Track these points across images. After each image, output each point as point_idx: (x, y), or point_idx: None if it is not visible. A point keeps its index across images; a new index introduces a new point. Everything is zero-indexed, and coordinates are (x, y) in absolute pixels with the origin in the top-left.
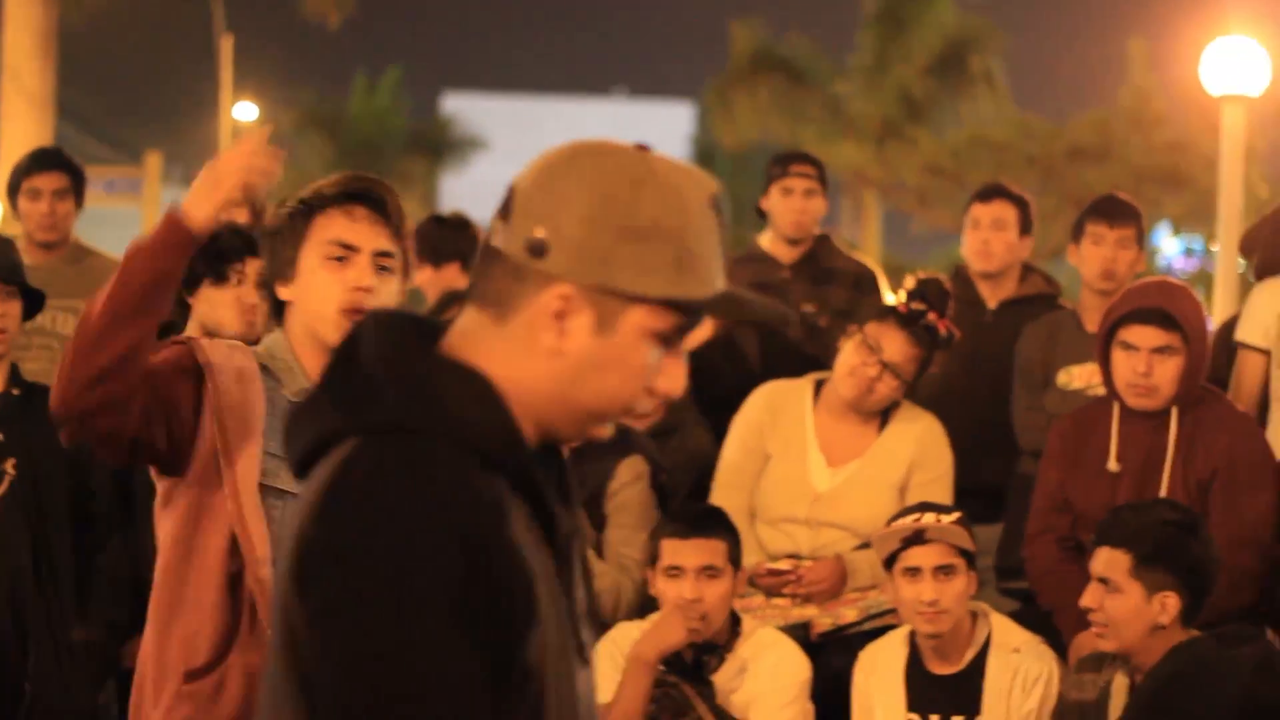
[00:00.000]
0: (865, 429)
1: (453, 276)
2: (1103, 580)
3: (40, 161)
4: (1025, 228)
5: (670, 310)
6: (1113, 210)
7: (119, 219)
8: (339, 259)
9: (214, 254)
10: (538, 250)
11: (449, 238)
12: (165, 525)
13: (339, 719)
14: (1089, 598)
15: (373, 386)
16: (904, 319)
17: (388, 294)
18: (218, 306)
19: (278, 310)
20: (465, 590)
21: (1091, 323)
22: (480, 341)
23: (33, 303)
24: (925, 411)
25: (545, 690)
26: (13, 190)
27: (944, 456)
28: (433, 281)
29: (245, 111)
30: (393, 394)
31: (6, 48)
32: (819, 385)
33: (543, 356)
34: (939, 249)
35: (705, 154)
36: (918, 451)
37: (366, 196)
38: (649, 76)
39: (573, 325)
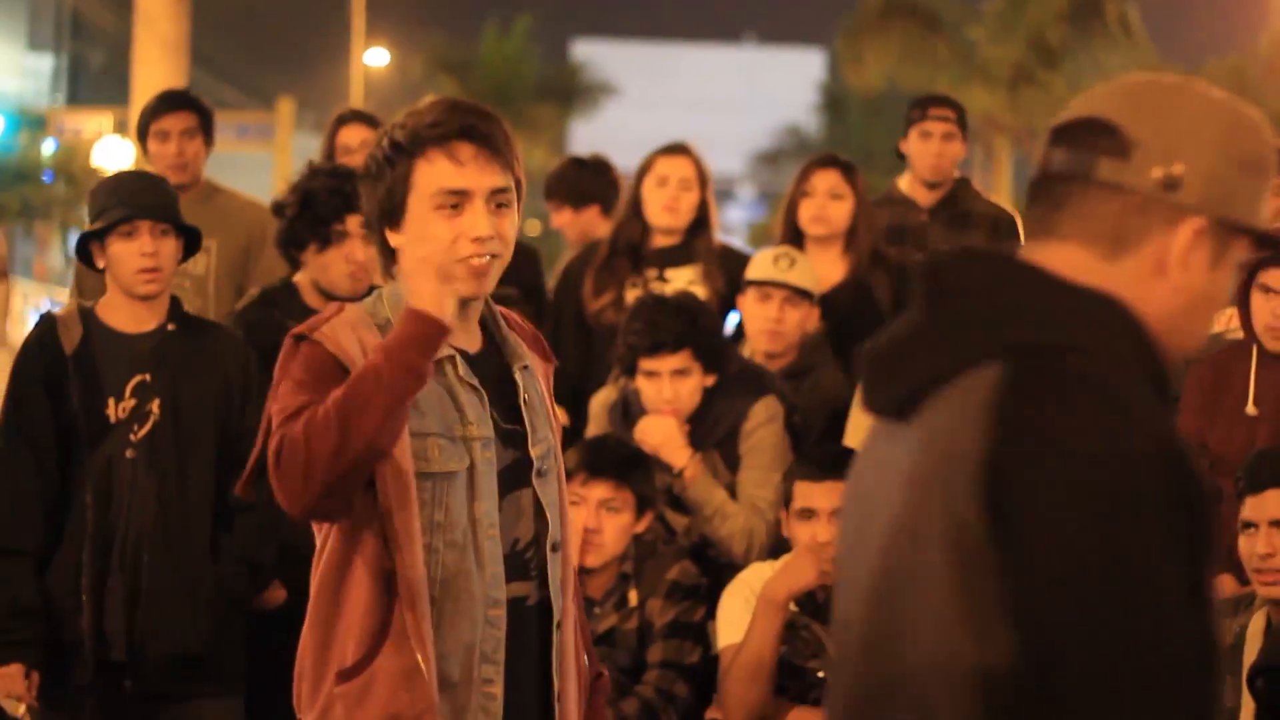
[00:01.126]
0: None
1: (592, 219)
2: (1278, 523)
3: (167, 103)
4: None
5: (1255, 242)
6: None
7: (251, 164)
8: (452, 205)
9: (313, 218)
10: (1173, 185)
11: (590, 180)
12: (323, 525)
13: (1056, 634)
14: (1264, 544)
15: (1017, 311)
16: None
17: (509, 231)
18: (328, 269)
19: (388, 256)
20: (1175, 505)
21: None
22: (1090, 276)
23: (191, 242)
24: None
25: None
26: (142, 134)
27: None
28: (572, 223)
29: (377, 57)
30: (1050, 317)
31: None
32: None
33: (1166, 291)
34: None
35: (836, 101)
36: None
37: (472, 132)
38: (779, 22)
39: (1195, 259)
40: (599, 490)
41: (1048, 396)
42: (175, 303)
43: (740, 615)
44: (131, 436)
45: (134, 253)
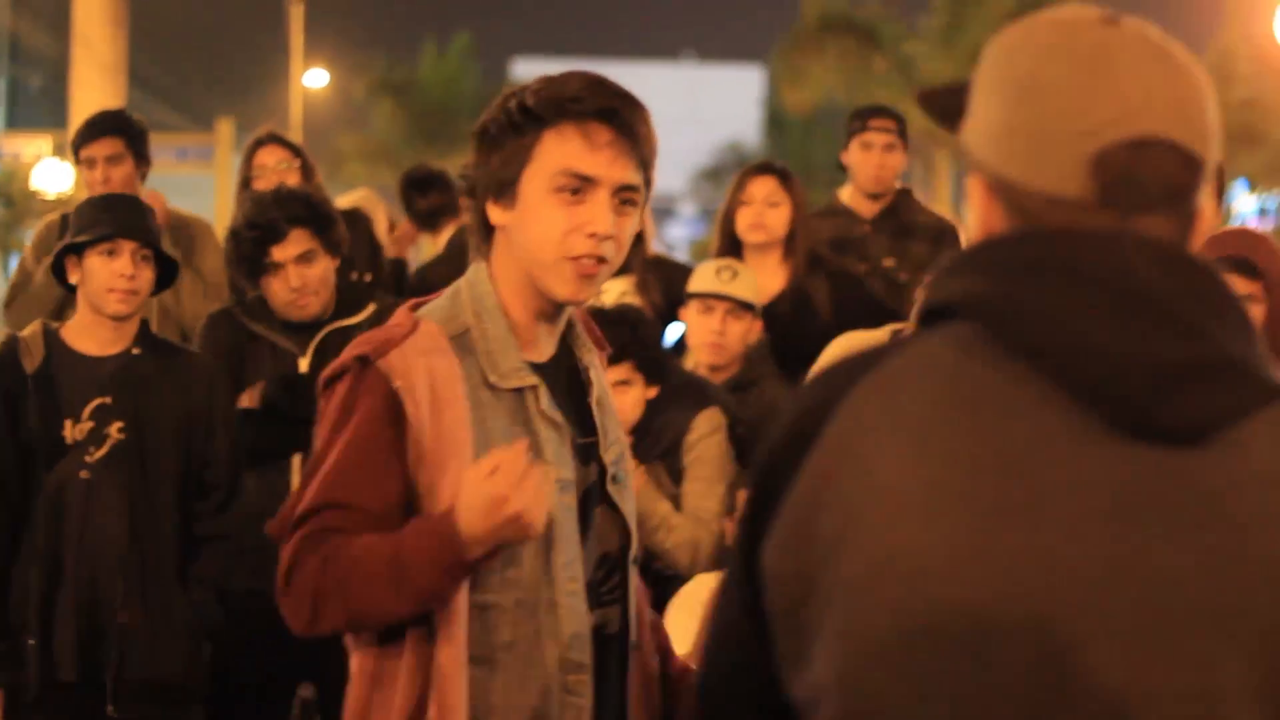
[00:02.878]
0: None
1: None
2: None
3: (90, 129)
4: None
5: None
6: None
7: (192, 186)
8: (574, 191)
9: (239, 257)
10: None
11: None
12: None
13: None
14: None
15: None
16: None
17: (628, 232)
18: (272, 299)
19: (485, 231)
20: None
21: None
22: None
23: (166, 271)
24: None
25: None
26: (76, 159)
27: None
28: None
29: (316, 78)
30: None
31: (78, 16)
32: (896, 335)
33: None
34: None
35: (775, 117)
36: None
37: (614, 116)
38: (718, 40)
39: None
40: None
41: None
42: (144, 326)
43: (687, 627)
44: (86, 458)
45: (113, 271)
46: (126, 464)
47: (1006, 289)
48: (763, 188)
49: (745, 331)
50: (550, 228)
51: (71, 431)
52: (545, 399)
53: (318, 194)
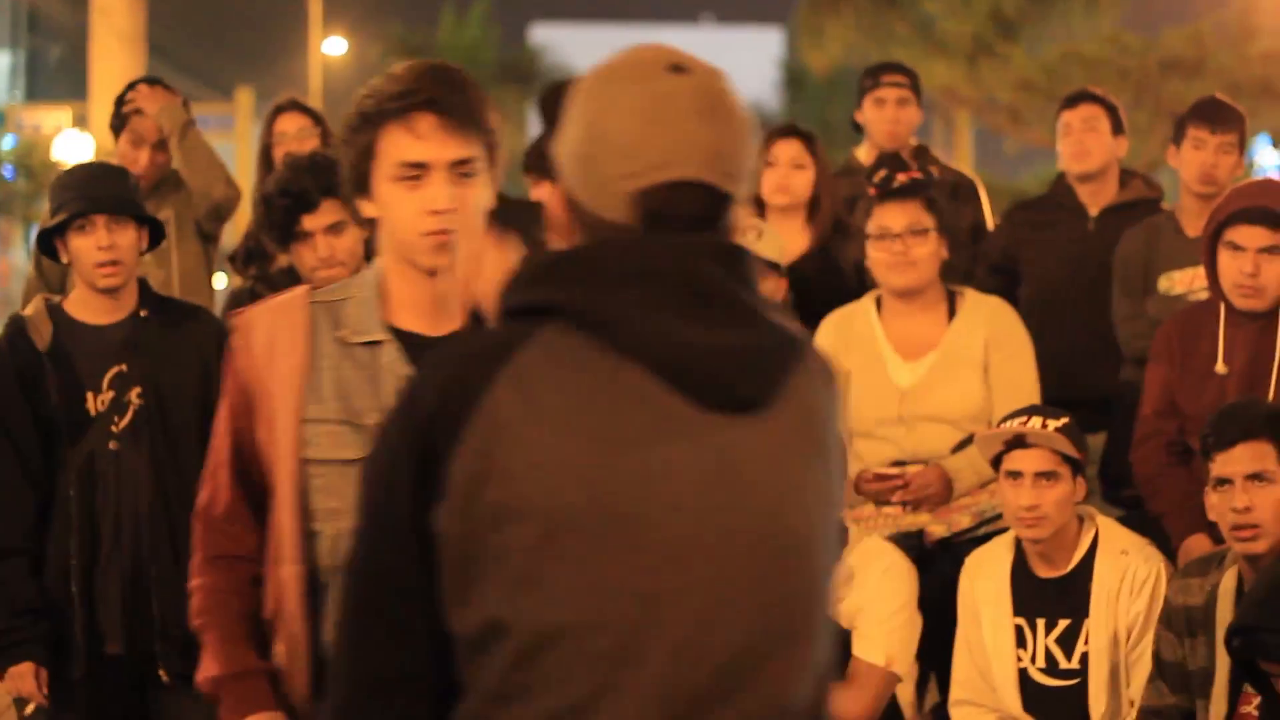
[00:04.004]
0: (935, 321)
1: None
2: (1253, 476)
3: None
4: (1117, 128)
5: None
6: (1214, 114)
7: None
8: (412, 178)
9: (270, 224)
10: None
11: None
12: None
13: None
14: (1240, 498)
15: None
16: (883, 194)
17: (475, 200)
18: (300, 265)
19: (369, 224)
20: None
21: (1191, 227)
22: None
23: (155, 232)
24: (991, 296)
25: None
26: (116, 126)
27: (1018, 332)
28: (553, 196)
29: (335, 46)
30: None
31: None
32: (880, 300)
33: None
34: (1032, 167)
35: (795, 78)
36: (990, 331)
37: (434, 104)
38: (737, 2)
39: None
40: None
41: None
42: (144, 287)
43: None
44: (113, 428)
45: (91, 247)
46: (149, 428)
47: (598, 295)
48: (787, 150)
49: (771, 290)
50: (402, 212)
51: (94, 403)
52: (394, 355)
53: None
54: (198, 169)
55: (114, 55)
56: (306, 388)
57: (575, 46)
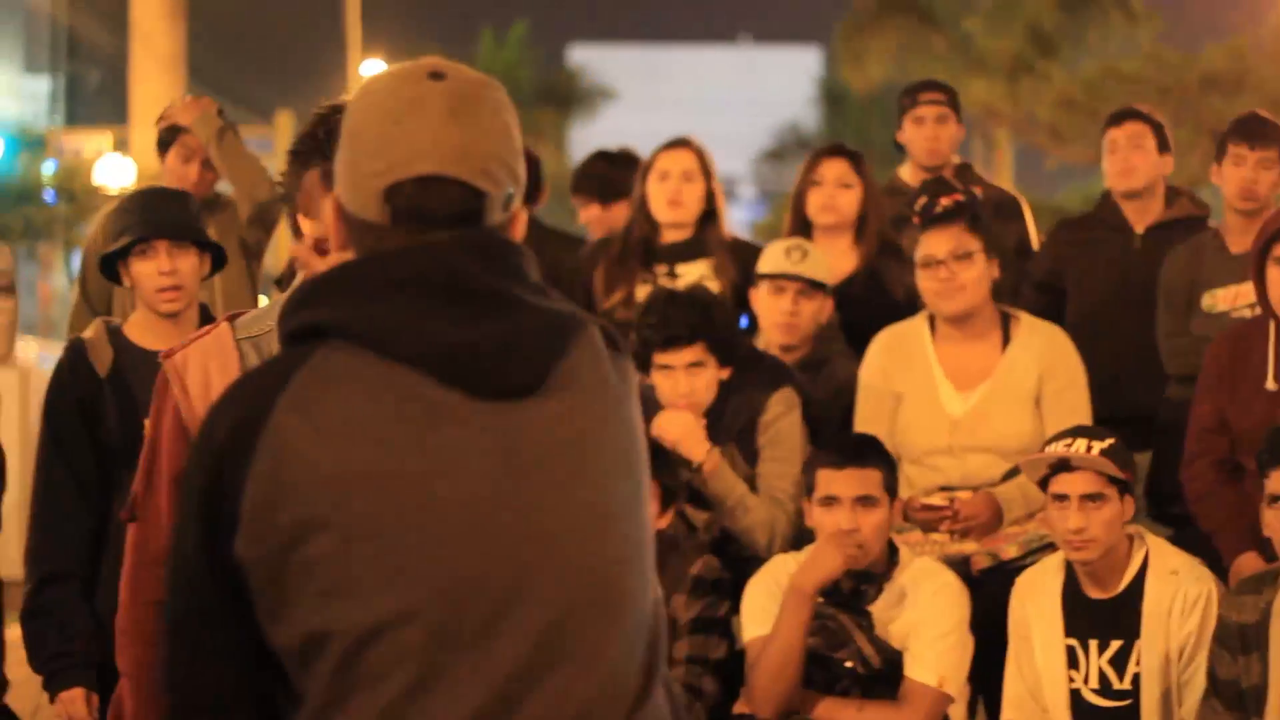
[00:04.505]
0: (989, 348)
1: (621, 214)
2: None
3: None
4: (1163, 145)
5: None
6: (1254, 131)
7: None
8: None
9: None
10: None
11: (618, 175)
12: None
13: None
14: None
15: None
16: (926, 221)
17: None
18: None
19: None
20: None
21: (1235, 244)
22: None
23: (216, 258)
24: (1046, 323)
25: None
26: (164, 143)
27: (1072, 362)
28: (600, 219)
29: (373, 69)
30: None
31: (136, 11)
32: (933, 319)
33: None
34: (1073, 184)
35: (834, 97)
36: (1044, 361)
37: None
38: (775, 22)
39: None
40: None
41: None
42: (205, 313)
43: (766, 607)
44: None
45: (153, 271)
46: None
47: (359, 310)
48: (834, 169)
49: (817, 311)
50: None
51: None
52: None
53: None
54: (240, 172)
55: (154, 79)
56: None
57: (613, 67)
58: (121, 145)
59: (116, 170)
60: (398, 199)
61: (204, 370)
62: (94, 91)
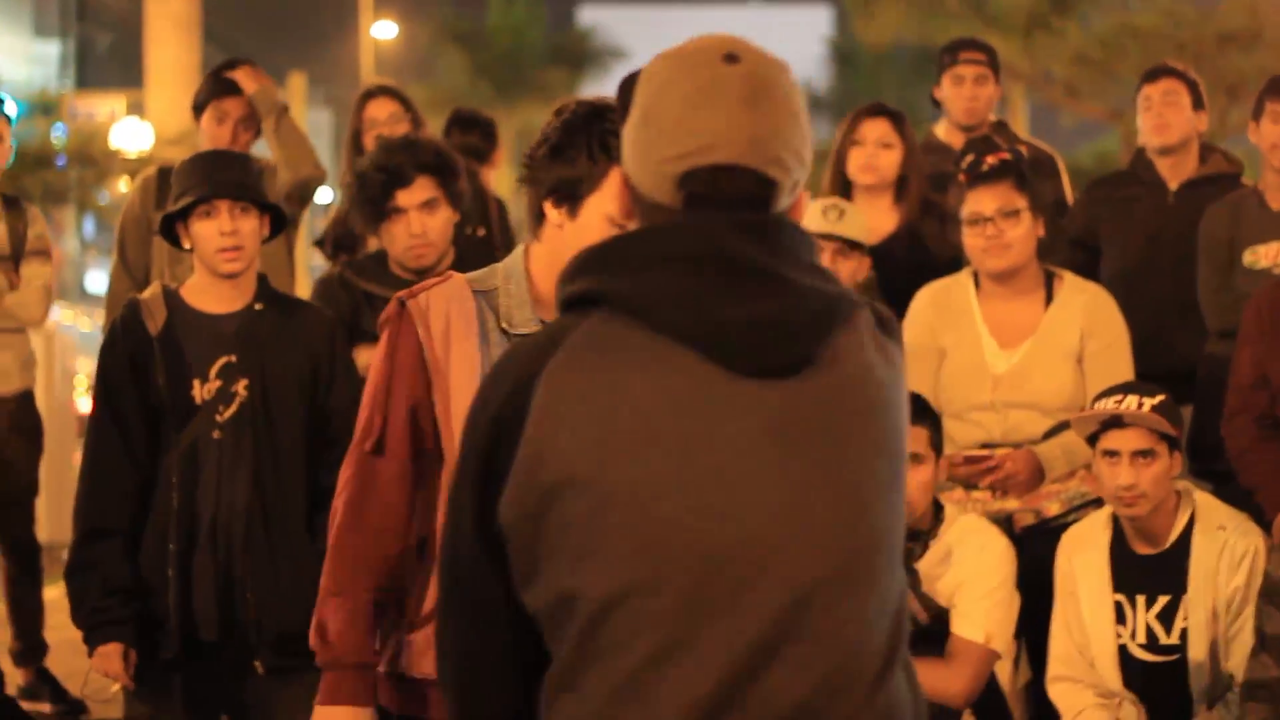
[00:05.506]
0: (1032, 306)
1: None
2: None
3: (232, 85)
4: (1197, 103)
5: None
6: None
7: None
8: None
9: (365, 199)
10: None
11: None
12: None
13: None
14: None
15: None
16: (973, 179)
17: None
18: (392, 244)
19: (538, 217)
20: None
21: (1276, 201)
22: None
23: (276, 219)
24: (1090, 282)
25: None
26: (199, 107)
27: (1115, 321)
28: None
29: (385, 30)
30: None
31: None
32: (977, 275)
33: None
34: (1088, 140)
35: (844, 55)
36: (1087, 320)
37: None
38: None
39: None
40: None
41: None
42: (263, 281)
43: None
44: (217, 417)
45: (214, 232)
46: (254, 421)
47: (636, 281)
48: (875, 129)
49: (854, 270)
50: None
51: (200, 391)
52: None
53: (445, 145)
54: (292, 149)
55: (169, 42)
56: (481, 370)
57: (623, 26)
58: (135, 109)
59: (134, 134)
60: (691, 185)
61: (445, 314)
62: (103, 55)
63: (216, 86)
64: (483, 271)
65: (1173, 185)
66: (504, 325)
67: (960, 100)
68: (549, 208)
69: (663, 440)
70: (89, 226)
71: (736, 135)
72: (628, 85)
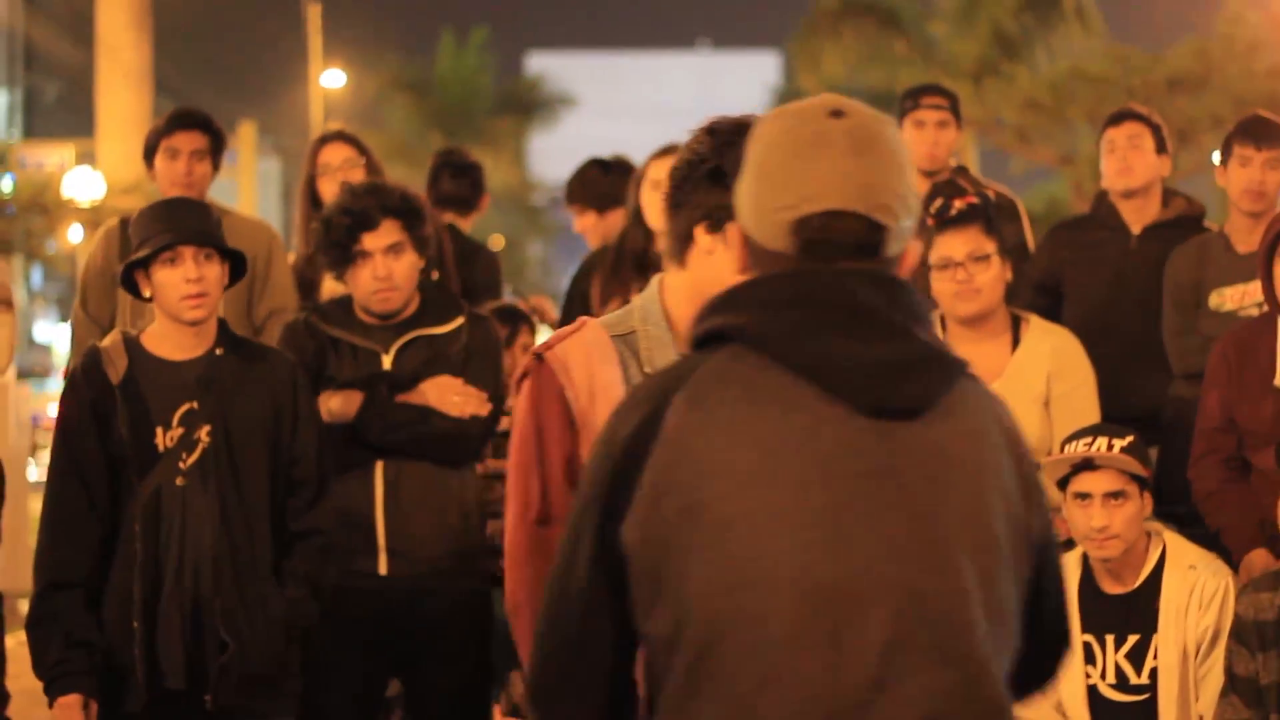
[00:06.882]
0: (999, 350)
1: (617, 222)
2: None
3: (180, 120)
4: (1160, 146)
5: None
6: (1260, 131)
7: (215, 190)
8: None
9: (330, 243)
10: None
11: (614, 183)
12: None
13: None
14: None
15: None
16: (941, 223)
17: None
18: (357, 288)
19: (684, 245)
20: None
21: (1242, 244)
22: None
23: (236, 266)
24: (1056, 325)
25: None
26: (149, 151)
27: (1081, 364)
28: (596, 227)
29: (334, 79)
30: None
31: (102, 23)
32: (943, 319)
33: None
34: (1039, 185)
35: (790, 102)
36: (1054, 363)
37: None
38: (733, 27)
39: None
40: None
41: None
42: (223, 326)
43: None
44: (180, 464)
45: (179, 279)
46: (217, 467)
47: (765, 319)
48: None
49: None
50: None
51: (163, 439)
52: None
53: (410, 190)
54: None
55: (120, 91)
56: None
57: (572, 73)
58: (85, 158)
59: (86, 183)
60: (805, 231)
61: (587, 363)
62: (52, 104)
63: (163, 125)
64: (618, 314)
65: (1136, 229)
66: (646, 370)
67: (922, 145)
68: (700, 233)
69: (781, 475)
70: (36, 276)
71: (845, 182)
72: (732, 142)
